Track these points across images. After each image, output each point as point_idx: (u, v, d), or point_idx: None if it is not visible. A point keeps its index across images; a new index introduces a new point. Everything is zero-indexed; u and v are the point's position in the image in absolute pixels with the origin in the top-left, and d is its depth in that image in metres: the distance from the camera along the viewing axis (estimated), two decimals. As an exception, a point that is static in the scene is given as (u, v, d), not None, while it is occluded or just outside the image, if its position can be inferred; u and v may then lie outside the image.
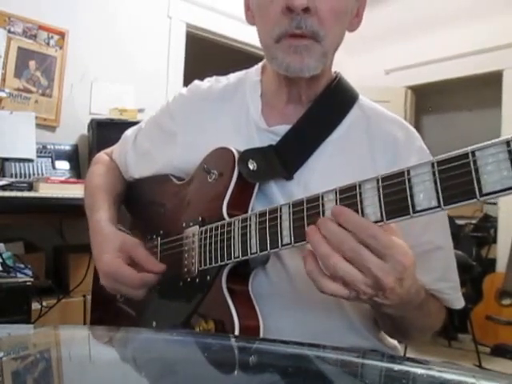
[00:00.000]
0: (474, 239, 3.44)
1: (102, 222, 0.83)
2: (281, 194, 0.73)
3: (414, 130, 0.81)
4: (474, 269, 2.76)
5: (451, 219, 3.09)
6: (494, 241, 3.35)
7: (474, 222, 3.60)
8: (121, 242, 0.78)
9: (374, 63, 3.70)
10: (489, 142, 0.43)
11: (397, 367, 0.47)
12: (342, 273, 0.52)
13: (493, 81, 3.28)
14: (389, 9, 3.55)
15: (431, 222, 0.71)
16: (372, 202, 0.51)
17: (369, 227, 0.51)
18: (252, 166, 0.71)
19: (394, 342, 0.80)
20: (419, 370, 0.45)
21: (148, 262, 0.75)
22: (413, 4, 3.47)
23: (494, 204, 3.33)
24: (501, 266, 3.07)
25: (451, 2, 3.29)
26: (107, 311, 0.92)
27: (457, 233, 3.32)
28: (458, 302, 0.75)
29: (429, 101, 4.27)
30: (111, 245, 0.77)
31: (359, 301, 0.56)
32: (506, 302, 2.88)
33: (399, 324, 0.69)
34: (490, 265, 3.22)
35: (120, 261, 0.75)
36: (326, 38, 0.70)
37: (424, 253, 0.72)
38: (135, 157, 0.93)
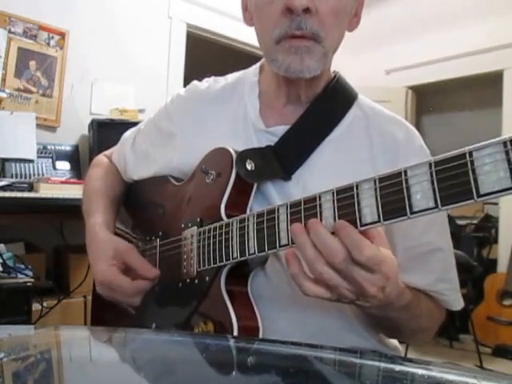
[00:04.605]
0: (475, 239, 3.42)
1: (97, 226, 0.83)
2: (279, 195, 0.73)
3: (414, 129, 0.80)
4: (475, 269, 2.75)
5: (452, 219, 3.09)
6: (496, 241, 3.33)
7: (475, 222, 3.58)
8: (114, 249, 0.78)
9: (375, 63, 3.70)
10: (486, 142, 0.42)
11: (397, 368, 0.47)
12: (327, 277, 0.53)
13: (493, 80, 3.27)
14: (389, 9, 3.55)
15: (431, 223, 0.71)
16: (369, 203, 0.50)
17: (365, 248, 0.51)
18: (250, 166, 0.71)
19: (395, 343, 0.80)
20: (420, 371, 0.45)
21: (142, 267, 0.76)
22: (413, 4, 3.47)
23: (495, 204, 3.32)
24: (502, 266, 3.07)
25: (451, 2, 3.28)
26: (108, 312, 0.92)
27: (458, 233, 3.31)
28: (458, 303, 0.75)
29: (429, 101, 4.27)
30: (105, 253, 0.78)
31: (340, 302, 0.57)
32: (508, 302, 2.87)
33: (384, 323, 0.69)
34: (491, 265, 3.21)
35: (114, 269, 0.76)
36: (327, 39, 0.69)
37: (423, 254, 0.72)
38: (134, 158, 0.93)
